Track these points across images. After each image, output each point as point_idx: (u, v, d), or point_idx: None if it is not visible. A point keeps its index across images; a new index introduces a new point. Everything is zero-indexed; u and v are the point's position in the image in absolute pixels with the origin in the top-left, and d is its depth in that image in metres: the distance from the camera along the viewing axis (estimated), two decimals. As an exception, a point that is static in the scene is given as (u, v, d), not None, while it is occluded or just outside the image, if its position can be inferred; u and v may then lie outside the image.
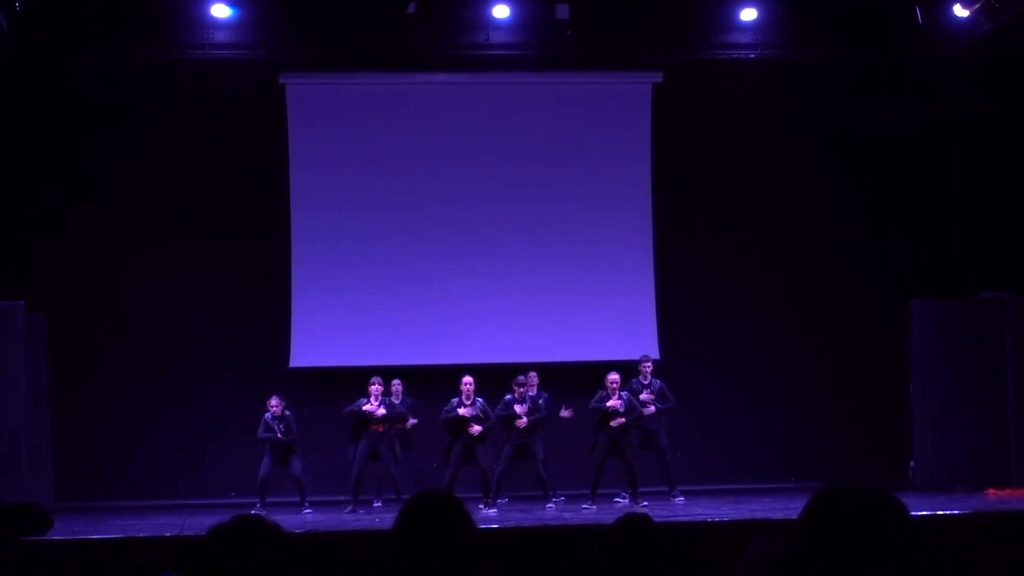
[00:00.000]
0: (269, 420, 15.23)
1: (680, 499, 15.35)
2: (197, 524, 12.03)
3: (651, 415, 15.41)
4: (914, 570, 2.55)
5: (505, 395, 15.17)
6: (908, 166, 17.87)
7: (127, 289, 16.92)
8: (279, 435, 15.13)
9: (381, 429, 15.17)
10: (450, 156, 17.40)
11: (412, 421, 15.75)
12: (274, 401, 15.32)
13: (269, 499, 15.29)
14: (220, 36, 16.64)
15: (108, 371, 16.85)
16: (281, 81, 17.12)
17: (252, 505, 14.93)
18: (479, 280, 17.29)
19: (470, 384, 15.06)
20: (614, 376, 15.08)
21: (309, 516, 14.54)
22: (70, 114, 16.87)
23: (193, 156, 17.06)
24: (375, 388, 15.16)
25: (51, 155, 16.87)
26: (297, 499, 15.25)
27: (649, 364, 15.77)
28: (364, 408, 15.10)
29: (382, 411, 15.10)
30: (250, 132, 17.20)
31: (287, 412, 15.31)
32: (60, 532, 11.99)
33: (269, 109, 17.10)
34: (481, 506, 14.44)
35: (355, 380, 16.67)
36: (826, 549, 2.36)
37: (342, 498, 15.46)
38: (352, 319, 17.09)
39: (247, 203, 17.16)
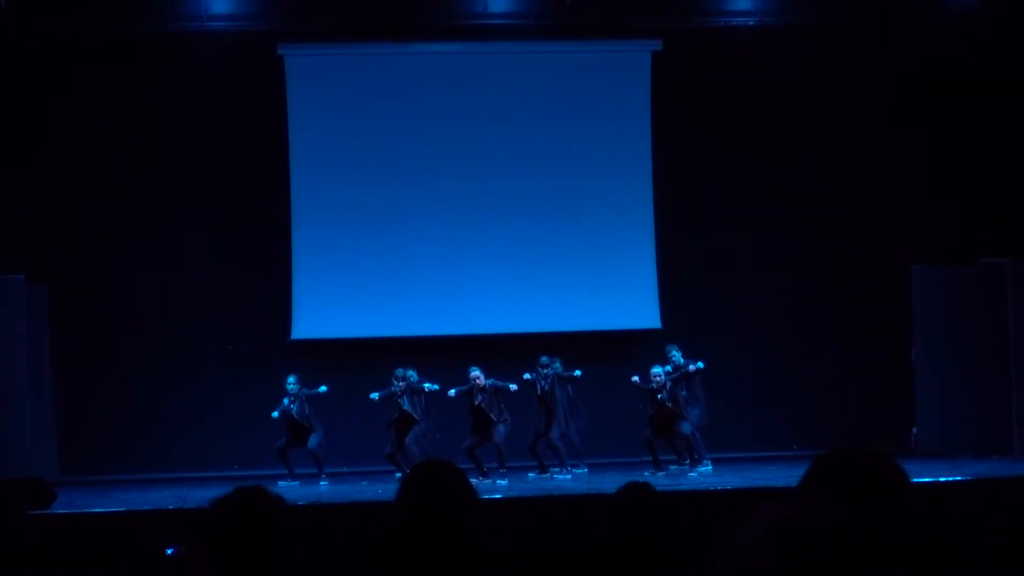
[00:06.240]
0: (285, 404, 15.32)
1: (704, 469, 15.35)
2: (199, 497, 12.07)
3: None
4: (915, 537, 2.55)
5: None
6: (910, 131, 17.79)
7: (127, 261, 16.89)
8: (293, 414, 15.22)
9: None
10: (450, 126, 17.34)
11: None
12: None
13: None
14: (218, 7, 16.56)
15: (110, 344, 16.83)
16: (279, 52, 17.06)
17: (254, 478, 14.97)
18: (478, 250, 17.24)
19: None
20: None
21: (324, 488, 14.79)
22: (67, 85, 16.81)
23: (192, 127, 16.99)
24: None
25: (49, 125, 16.81)
26: (312, 471, 15.41)
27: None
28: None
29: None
30: (249, 103, 17.15)
31: (303, 391, 15.35)
32: (63, 506, 12.03)
33: (268, 80, 17.04)
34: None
35: (355, 352, 16.72)
36: (826, 514, 2.36)
37: (345, 469, 15.53)
38: (352, 291, 17.07)
39: (246, 175, 17.10)
